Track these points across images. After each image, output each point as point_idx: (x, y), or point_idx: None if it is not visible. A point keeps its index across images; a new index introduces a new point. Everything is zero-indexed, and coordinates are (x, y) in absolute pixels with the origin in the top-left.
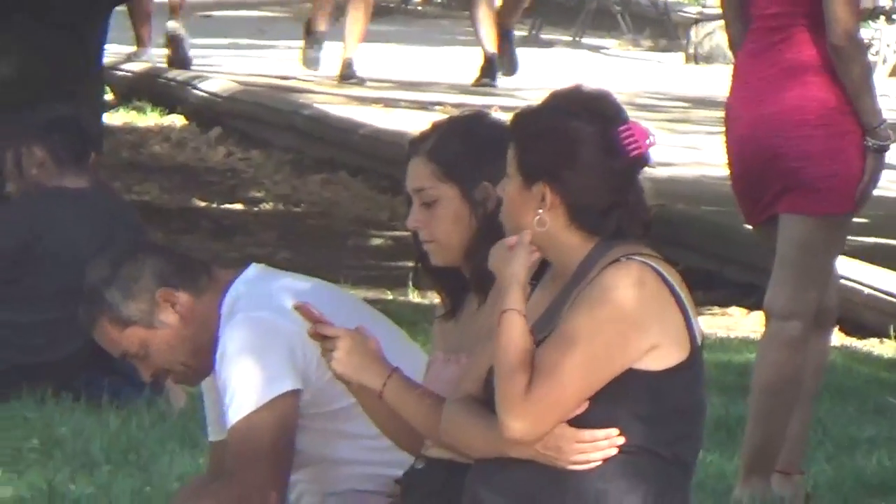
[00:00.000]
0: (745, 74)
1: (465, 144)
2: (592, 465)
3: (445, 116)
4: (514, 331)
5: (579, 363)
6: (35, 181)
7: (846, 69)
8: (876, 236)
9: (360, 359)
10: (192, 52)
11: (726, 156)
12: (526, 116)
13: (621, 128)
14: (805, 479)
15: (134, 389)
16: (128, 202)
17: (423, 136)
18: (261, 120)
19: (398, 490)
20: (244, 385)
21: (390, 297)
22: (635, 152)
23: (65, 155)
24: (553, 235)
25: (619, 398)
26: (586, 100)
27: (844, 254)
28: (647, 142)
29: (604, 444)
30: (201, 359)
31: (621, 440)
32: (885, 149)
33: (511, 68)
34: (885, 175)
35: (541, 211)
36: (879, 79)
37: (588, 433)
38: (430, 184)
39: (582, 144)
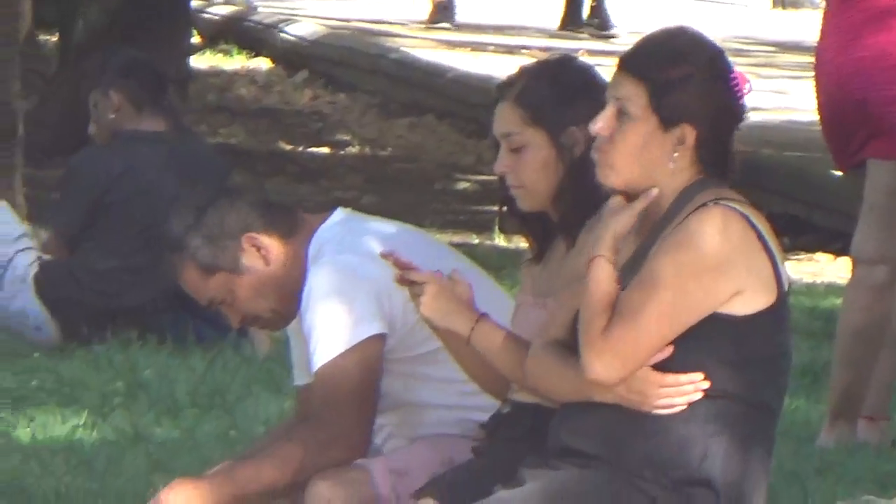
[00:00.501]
0: (835, 19)
1: (553, 89)
2: (677, 409)
3: (533, 61)
4: (602, 275)
5: (662, 306)
6: (114, 125)
7: None
8: None
9: (447, 303)
10: None
11: (815, 101)
12: (655, 58)
13: (732, 72)
14: (891, 425)
15: (219, 333)
16: (210, 145)
17: (511, 81)
18: (347, 63)
19: (483, 434)
20: (330, 329)
21: (476, 241)
22: (742, 98)
23: (140, 99)
24: (657, 174)
25: (703, 343)
26: (706, 41)
27: None
28: (746, 89)
29: (688, 388)
30: (288, 303)
31: (706, 384)
32: None
33: (604, 24)
34: None
35: (676, 154)
36: None
37: (672, 377)
38: (518, 129)
39: (716, 84)
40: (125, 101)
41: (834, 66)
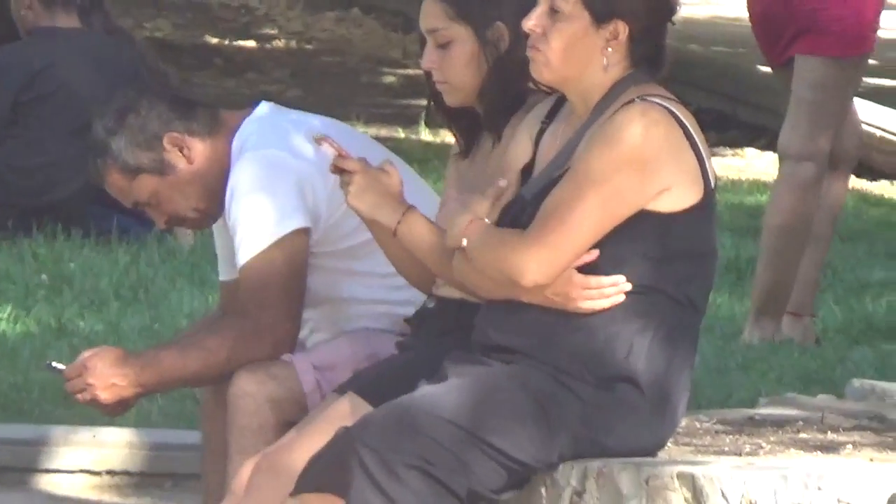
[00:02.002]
0: None
1: None
2: (599, 310)
3: None
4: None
5: (592, 203)
6: (27, 23)
7: None
8: (887, 77)
9: (375, 195)
10: None
11: None
12: None
13: None
14: (815, 322)
15: (143, 227)
16: (139, 44)
17: None
18: None
19: (408, 329)
20: (254, 223)
21: (402, 135)
22: None
23: None
24: (589, 71)
25: (630, 239)
26: None
27: (856, 95)
28: None
29: (611, 290)
30: (213, 201)
31: (628, 287)
32: None
33: None
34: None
35: (609, 49)
36: None
37: (595, 280)
38: (444, 24)
39: None
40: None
41: None
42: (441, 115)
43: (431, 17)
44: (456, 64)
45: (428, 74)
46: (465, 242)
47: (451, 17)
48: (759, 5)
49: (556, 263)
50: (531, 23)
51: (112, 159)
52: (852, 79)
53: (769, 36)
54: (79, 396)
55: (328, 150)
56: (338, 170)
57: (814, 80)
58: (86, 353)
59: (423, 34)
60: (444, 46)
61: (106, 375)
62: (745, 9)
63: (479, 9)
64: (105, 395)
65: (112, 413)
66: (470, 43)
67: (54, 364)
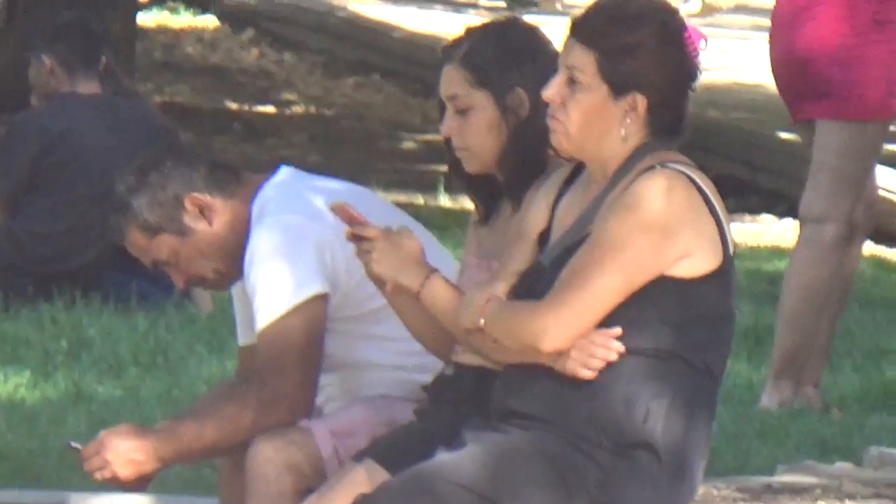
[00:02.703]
0: None
1: (499, 51)
2: (593, 371)
3: (479, 21)
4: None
5: (611, 269)
6: (48, 90)
7: None
8: None
9: (397, 259)
10: None
11: (769, 53)
12: (605, 25)
13: (686, 32)
14: (819, 392)
15: (162, 292)
16: (152, 106)
17: (457, 42)
18: (294, 21)
19: (426, 396)
20: (273, 289)
21: (421, 201)
22: (696, 57)
23: (72, 62)
24: (607, 141)
25: (648, 304)
26: (658, 4)
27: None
28: (702, 46)
29: (602, 351)
30: (232, 264)
31: (620, 347)
32: None
33: None
34: None
35: (628, 120)
36: None
37: (584, 340)
38: (463, 91)
39: (668, 49)
40: (57, 64)
41: (783, 20)
42: (460, 181)
43: (451, 83)
44: (476, 130)
45: (447, 141)
46: (482, 322)
47: (471, 83)
48: (778, 66)
49: (576, 327)
50: (550, 92)
51: (133, 217)
52: (873, 144)
53: (790, 94)
54: (98, 475)
55: (345, 217)
56: (355, 237)
57: (835, 145)
58: (103, 432)
59: (442, 100)
60: (463, 113)
61: (124, 451)
62: (767, 73)
63: (500, 75)
64: (124, 472)
65: (132, 490)
66: (490, 110)
67: (73, 444)
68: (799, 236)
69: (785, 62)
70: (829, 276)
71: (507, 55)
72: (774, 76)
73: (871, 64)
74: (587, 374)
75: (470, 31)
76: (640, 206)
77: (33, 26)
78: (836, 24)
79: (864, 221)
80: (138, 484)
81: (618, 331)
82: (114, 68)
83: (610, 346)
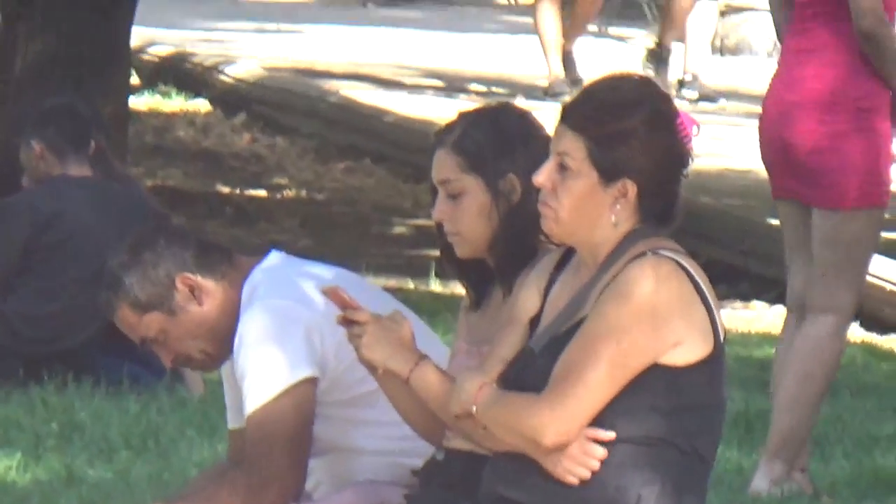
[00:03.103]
0: (781, 63)
1: (491, 136)
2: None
3: (471, 106)
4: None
5: (606, 359)
6: (39, 174)
7: (879, 53)
8: None
9: (387, 345)
10: (218, 36)
11: (760, 144)
12: (595, 112)
13: (678, 118)
14: (808, 477)
15: (153, 375)
16: (140, 188)
17: (449, 127)
18: (286, 106)
19: (416, 481)
20: (262, 373)
21: (412, 286)
22: (689, 143)
23: (62, 145)
24: (598, 227)
25: (640, 391)
26: (651, 90)
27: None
28: (694, 132)
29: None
30: (220, 345)
31: (603, 454)
32: None
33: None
34: None
35: (618, 207)
36: None
37: (575, 448)
38: (455, 176)
39: (659, 136)
40: (46, 149)
41: (770, 104)
42: (451, 266)
43: (444, 167)
44: (467, 215)
45: (439, 225)
46: (474, 409)
47: (463, 168)
48: (764, 148)
49: (576, 422)
50: (541, 178)
51: (124, 294)
52: (867, 231)
53: (773, 174)
54: None
55: (337, 302)
56: (346, 322)
57: (827, 234)
58: None
59: (434, 185)
60: (455, 197)
61: None
62: (758, 159)
63: (492, 161)
64: None
65: None
66: (482, 195)
67: None
68: (801, 325)
69: (774, 148)
70: (831, 361)
71: (499, 140)
72: (764, 160)
73: (851, 153)
74: (573, 480)
75: (462, 116)
76: (632, 294)
77: (24, 109)
78: (820, 113)
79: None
80: None
81: (611, 434)
82: (106, 152)
83: (597, 456)
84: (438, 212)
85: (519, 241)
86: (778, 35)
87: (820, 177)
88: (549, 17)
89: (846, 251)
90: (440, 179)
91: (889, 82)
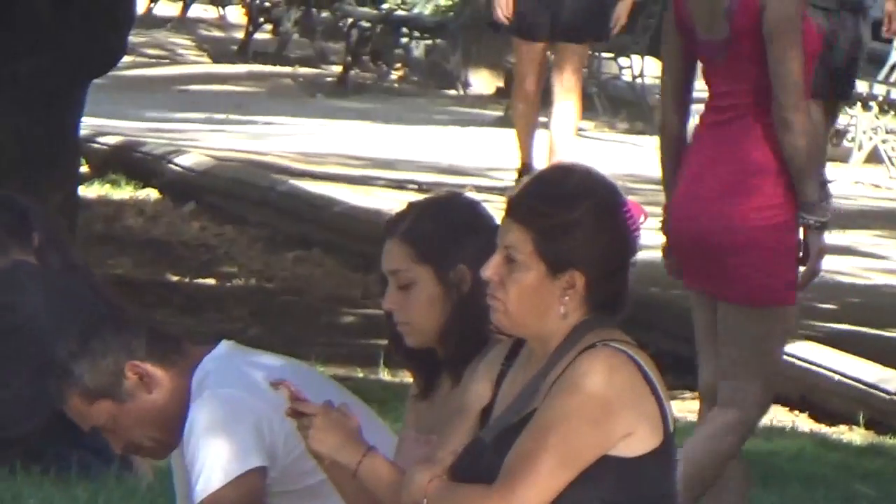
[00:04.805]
0: (692, 151)
1: (441, 226)
2: None
3: (421, 197)
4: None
5: (555, 452)
6: None
7: (792, 141)
8: (845, 323)
9: (335, 436)
10: (167, 126)
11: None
12: (540, 204)
13: (625, 206)
14: None
15: (103, 463)
16: (90, 275)
17: (399, 218)
18: (235, 195)
19: None
20: (211, 462)
21: (361, 374)
22: (636, 231)
23: (4, 238)
24: (547, 318)
25: (589, 483)
26: (596, 181)
27: (815, 340)
28: (640, 221)
29: None
30: (170, 433)
31: None
32: (823, 227)
33: None
34: (854, 262)
35: (566, 298)
36: (854, 166)
37: None
38: (405, 266)
39: (605, 226)
40: None
41: (679, 193)
42: (400, 355)
43: (394, 258)
44: (417, 305)
45: (388, 315)
46: (425, 502)
47: (413, 258)
48: (674, 237)
49: None
50: (488, 272)
51: (73, 382)
52: (774, 329)
53: (684, 264)
54: None
55: (285, 395)
56: (295, 413)
57: (733, 329)
58: None
59: (384, 274)
60: (405, 288)
61: None
62: None
63: (441, 251)
64: None
65: None
66: (432, 285)
67: None
68: (706, 416)
69: (683, 239)
70: (722, 458)
71: (449, 230)
72: (674, 248)
73: (759, 249)
74: None
75: (412, 206)
76: (583, 386)
77: None
78: (729, 207)
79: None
80: None
81: None
82: (63, 242)
83: None
84: (389, 302)
85: (469, 331)
86: (662, 129)
87: (727, 272)
88: (524, 109)
89: (752, 347)
90: (390, 269)
91: (795, 175)
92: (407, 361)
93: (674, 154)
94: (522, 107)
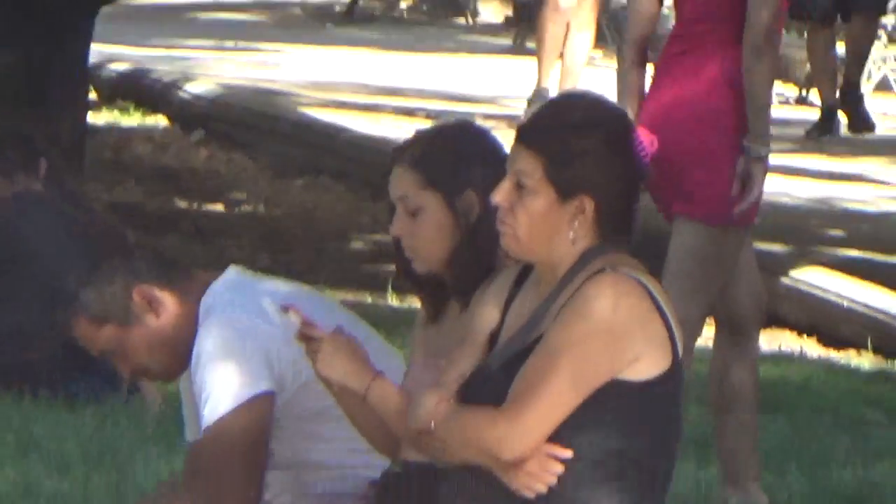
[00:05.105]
0: (657, 72)
1: (450, 153)
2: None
3: (429, 124)
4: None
5: (564, 375)
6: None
7: (754, 68)
8: (854, 249)
9: (344, 361)
10: (176, 54)
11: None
12: (551, 130)
13: (635, 134)
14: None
15: (111, 389)
16: (97, 207)
17: (408, 144)
18: (244, 123)
19: (373, 493)
20: (219, 386)
21: (369, 300)
22: (645, 158)
23: (9, 167)
24: (556, 244)
25: (597, 407)
26: (606, 108)
27: (824, 266)
28: (651, 146)
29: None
30: (177, 358)
31: (560, 469)
32: (765, 159)
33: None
34: (864, 190)
35: (576, 223)
36: (866, 94)
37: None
38: (414, 192)
39: (615, 153)
40: None
41: (643, 114)
42: (409, 281)
43: (402, 183)
44: (425, 231)
45: (397, 241)
46: (433, 425)
47: (421, 184)
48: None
49: (534, 436)
50: (498, 197)
51: (81, 307)
52: (727, 249)
53: (655, 194)
54: None
55: (294, 319)
56: (304, 338)
57: (685, 245)
58: None
59: (392, 201)
60: (413, 214)
61: None
62: None
63: (450, 177)
64: None
65: None
66: (440, 211)
67: None
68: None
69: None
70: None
71: (458, 157)
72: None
73: (720, 169)
74: (530, 495)
75: (421, 134)
76: (591, 311)
77: None
78: (691, 126)
79: (747, 320)
80: None
81: (568, 453)
82: (59, 170)
83: (555, 472)
84: (396, 228)
85: (477, 257)
86: (619, 49)
87: (687, 189)
88: (555, 32)
89: (700, 266)
90: (398, 195)
91: (752, 103)
92: (415, 287)
93: (635, 90)
94: (552, 27)
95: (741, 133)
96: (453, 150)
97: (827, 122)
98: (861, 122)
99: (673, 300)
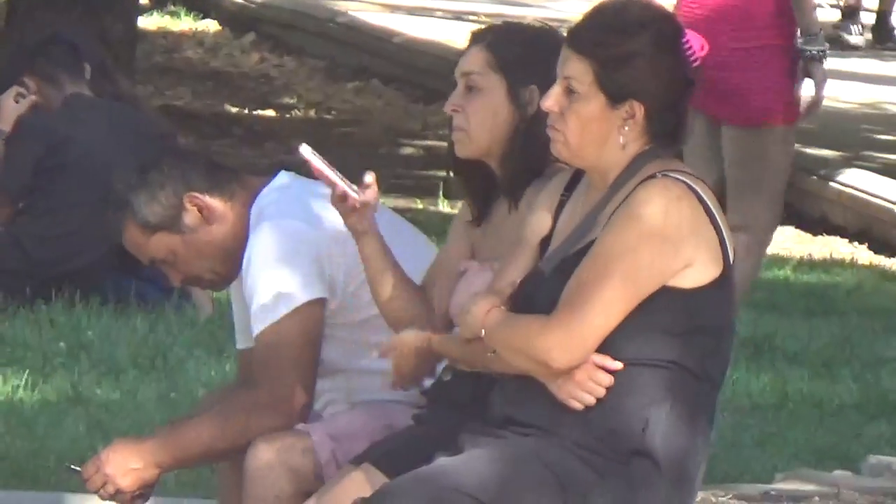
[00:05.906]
0: None
1: (525, 46)
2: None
3: (484, 24)
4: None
5: (616, 281)
6: (42, 106)
7: None
8: None
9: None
10: None
11: None
12: (600, 35)
13: (684, 38)
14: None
15: (161, 294)
16: (150, 109)
17: (488, 29)
18: (295, 26)
19: (424, 401)
20: (270, 293)
21: (420, 206)
22: (696, 62)
23: (54, 72)
24: (607, 149)
25: (650, 313)
26: (656, 11)
27: (875, 171)
28: (700, 50)
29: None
30: (229, 264)
31: (609, 381)
32: (824, 55)
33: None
34: None
35: (626, 128)
36: None
37: (581, 374)
38: (481, 69)
39: (665, 53)
40: (41, 81)
41: (680, 16)
42: (457, 174)
43: (472, 60)
44: (480, 112)
45: (450, 120)
46: (483, 333)
47: (490, 65)
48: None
49: (586, 343)
50: (549, 102)
51: (132, 215)
52: (777, 148)
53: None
54: (101, 492)
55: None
56: (339, 199)
57: (737, 152)
58: (102, 453)
59: (456, 78)
60: (473, 91)
61: (122, 463)
62: None
63: (519, 66)
64: (125, 483)
65: (136, 502)
66: (501, 96)
67: (72, 466)
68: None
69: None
70: (744, 282)
71: (531, 51)
72: None
73: (760, 71)
74: (577, 405)
75: (504, 23)
76: (642, 216)
77: (33, 27)
78: (730, 29)
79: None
80: (142, 494)
81: (619, 365)
82: (110, 72)
83: (603, 384)
84: (453, 103)
85: (529, 153)
86: None
87: (728, 93)
88: None
89: (759, 169)
90: (464, 71)
91: (798, 5)
92: (463, 182)
93: None
94: None
95: (780, 32)
96: (530, 45)
97: (883, 28)
98: None
99: (739, 209)
